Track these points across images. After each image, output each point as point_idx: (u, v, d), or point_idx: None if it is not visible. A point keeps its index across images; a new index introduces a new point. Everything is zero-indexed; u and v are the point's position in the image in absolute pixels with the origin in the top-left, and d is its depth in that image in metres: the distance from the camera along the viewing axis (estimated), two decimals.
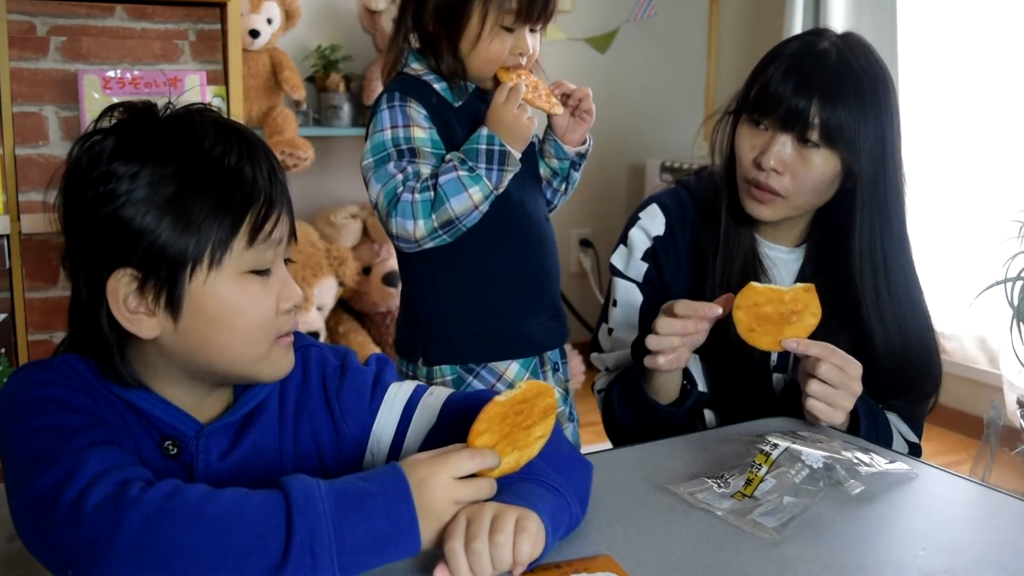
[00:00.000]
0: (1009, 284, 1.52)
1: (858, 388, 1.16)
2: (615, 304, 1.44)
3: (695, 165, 3.34)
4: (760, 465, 0.96)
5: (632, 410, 1.34)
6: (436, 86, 1.43)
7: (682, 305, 1.18)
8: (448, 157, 1.38)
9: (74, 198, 0.83)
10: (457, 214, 1.35)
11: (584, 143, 1.54)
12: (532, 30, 1.42)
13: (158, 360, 0.86)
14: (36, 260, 2.19)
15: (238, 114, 2.33)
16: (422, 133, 1.40)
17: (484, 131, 1.37)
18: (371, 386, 0.97)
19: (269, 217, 0.84)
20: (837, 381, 1.14)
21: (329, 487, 0.75)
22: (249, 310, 0.84)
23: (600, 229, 3.73)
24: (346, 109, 3.03)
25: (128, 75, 2.20)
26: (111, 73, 2.19)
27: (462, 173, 1.34)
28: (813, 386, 1.15)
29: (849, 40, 1.28)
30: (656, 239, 1.41)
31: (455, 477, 0.78)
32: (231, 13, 2.30)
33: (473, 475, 0.79)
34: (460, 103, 1.44)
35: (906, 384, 1.33)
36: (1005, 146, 2.86)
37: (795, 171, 1.24)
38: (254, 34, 2.84)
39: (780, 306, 1.12)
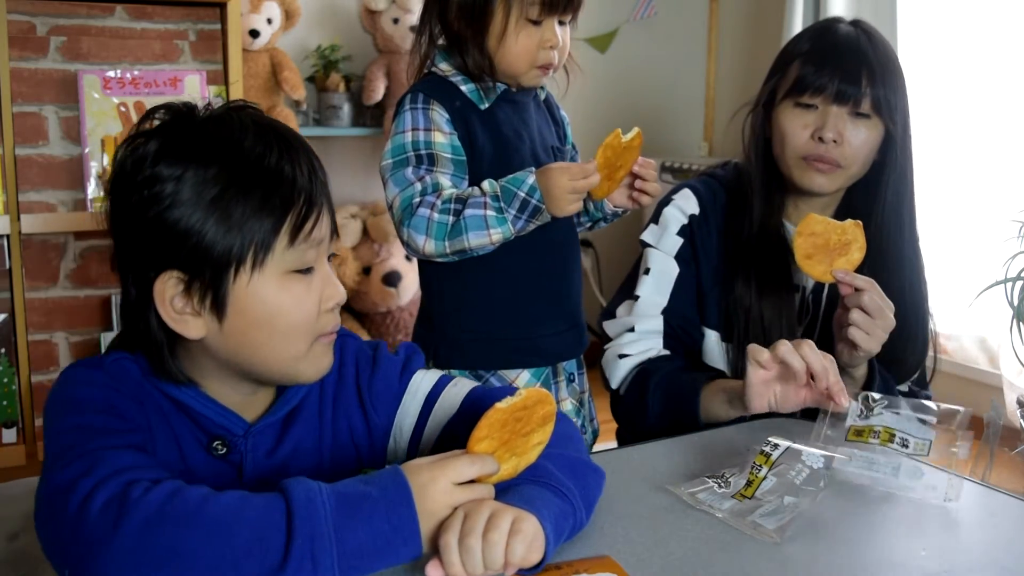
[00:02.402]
0: (1009, 284, 1.52)
1: (892, 323, 1.24)
2: (647, 272, 1.44)
3: (696, 165, 3.35)
4: (760, 466, 0.96)
5: (666, 407, 1.33)
6: (463, 87, 1.40)
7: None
8: (484, 187, 1.33)
9: (120, 201, 0.84)
10: (472, 247, 1.33)
11: (623, 208, 1.50)
12: (561, 22, 1.38)
13: (204, 359, 0.88)
14: (36, 260, 2.19)
15: None
16: (442, 138, 1.37)
17: (531, 179, 1.31)
18: (399, 374, 0.98)
19: (310, 216, 0.85)
20: (877, 311, 1.22)
21: (330, 490, 0.75)
22: (292, 310, 0.85)
23: (600, 229, 3.73)
24: (346, 109, 3.03)
25: (128, 75, 2.21)
26: (111, 73, 2.19)
27: (490, 213, 1.31)
28: (855, 315, 1.22)
29: (863, 25, 1.38)
30: (692, 216, 1.44)
31: (455, 483, 0.78)
32: (231, 13, 2.30)
33: (472, 480, 0.79)
34: (487, 105, 1.41)
35: (894, 353, 1.36)
36: (1005, 146, 2.86)
37: (850, 140, 1.34)
38: (254, 34, 2.84)
39: (833, 236, 1.25)
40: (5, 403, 2.15)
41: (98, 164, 2.18)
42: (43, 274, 2.20)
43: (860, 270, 1.32)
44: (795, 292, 1.41)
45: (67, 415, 0.82)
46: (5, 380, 2.15)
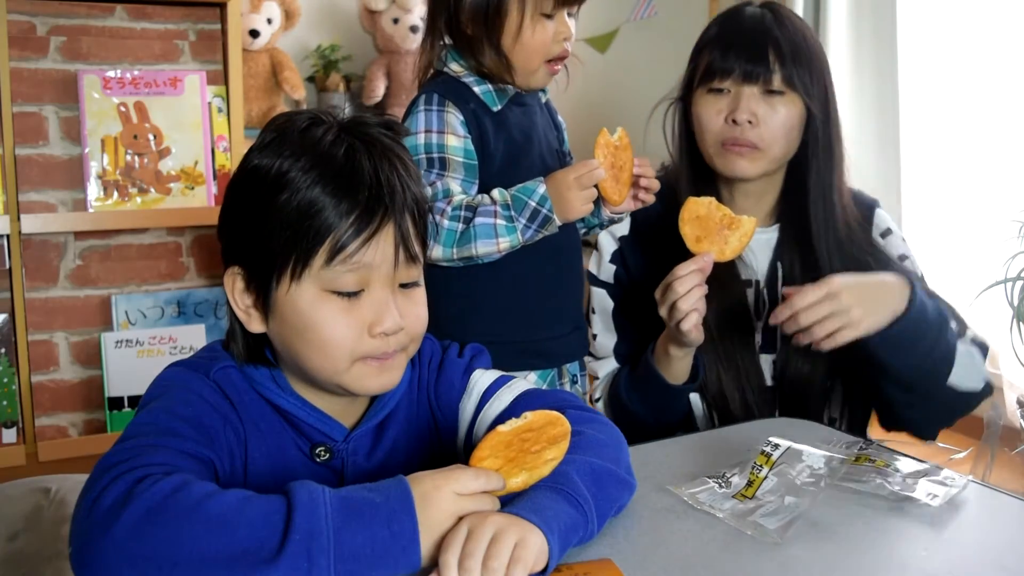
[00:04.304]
0: (1009, 284, 1.52)
1: (844, 299, 1.16)
2: (593, 311, 1.50)
3: None
4: (761, 467, 0.96)
5: (644, 393, 1.38)
6: (476, 89, 1.39)
7: (680, 268, 1.24)
8: (494, 196, 1.33)
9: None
10: (479, 254, 1.33)
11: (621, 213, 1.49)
12: (570, 14, 1.38)
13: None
14: (36, 260, 2.19)
15: (238, 114, 2.34)
16: (456, 142, 1.36)
17: (542, 189, 1.31)
18: (460, 376, 1.01)
19: (353, 240, 0.84)
20: (813, 313, 1.17)
21: (334, 494, 0.75)
22: (323, 328, 0.86)
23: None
24: (346, 109, 3.02)
25: (128, 75, 2.21)
26: (111, 73, 2.19)
27: (500, 221, 1.31)
28: (809, 334, 1.17)
29: (773, 6, 1.38)
30: (622, 239, 1.47)
31: (458, 493, 0.77)
32: (231, 13, 2.30)
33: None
34: (499, 107, 1.40)
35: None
36: (1005, 146, 2.86)
37: (766, 120, 1.33)
38: (254, 34, 2.84)
39: (717, 213, 1.23)
40: (5, 403, 2.15)
41: (98, 164, 2.18)
42: (43, 274, 2.20)
43: (800, 259, 1.34)
44: (746, 287, 1.40)
45: (149, 411, 0.85)
46: (5, 380, 2.15)
